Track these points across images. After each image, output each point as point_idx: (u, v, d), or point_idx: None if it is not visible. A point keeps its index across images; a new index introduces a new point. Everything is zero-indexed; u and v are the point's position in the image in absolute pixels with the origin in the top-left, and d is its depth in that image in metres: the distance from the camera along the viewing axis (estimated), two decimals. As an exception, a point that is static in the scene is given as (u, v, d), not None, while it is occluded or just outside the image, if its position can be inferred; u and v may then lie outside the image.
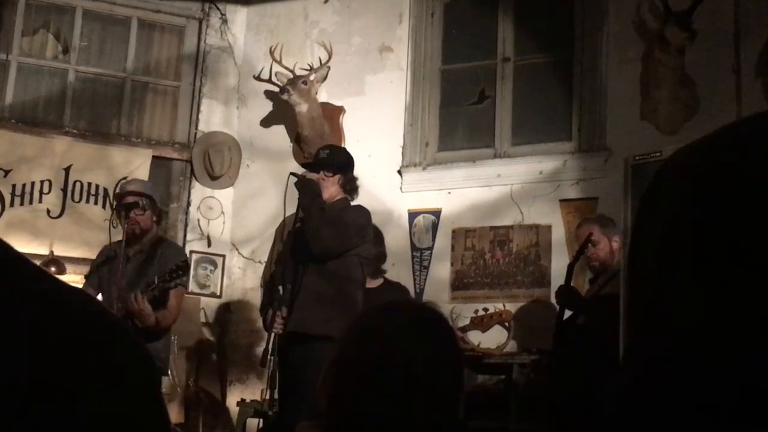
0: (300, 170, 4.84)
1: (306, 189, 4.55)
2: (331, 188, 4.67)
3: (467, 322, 5.74)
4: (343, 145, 6.59)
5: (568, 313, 4.93)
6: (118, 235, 4.95)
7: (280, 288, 4.48)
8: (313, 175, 4.64)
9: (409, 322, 1.69)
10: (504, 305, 5.85)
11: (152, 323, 4.65)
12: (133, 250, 4.97)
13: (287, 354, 4.40)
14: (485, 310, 5.72)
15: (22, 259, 0.68)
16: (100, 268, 5.04)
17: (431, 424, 1.60)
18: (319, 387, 1.64)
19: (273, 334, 4.43)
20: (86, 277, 5.17)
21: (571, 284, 5.13)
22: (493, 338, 5.91)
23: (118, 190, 5.25)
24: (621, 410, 0.80)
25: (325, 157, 4.73)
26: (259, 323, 5.04)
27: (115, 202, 5.10)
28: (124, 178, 6.86)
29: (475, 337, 5.82)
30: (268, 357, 4.40)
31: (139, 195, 4.97)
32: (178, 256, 4.92)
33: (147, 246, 4.98)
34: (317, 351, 3.97)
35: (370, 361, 1.61)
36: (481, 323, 5.66)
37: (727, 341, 0.70)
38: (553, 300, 5.43)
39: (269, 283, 4.99)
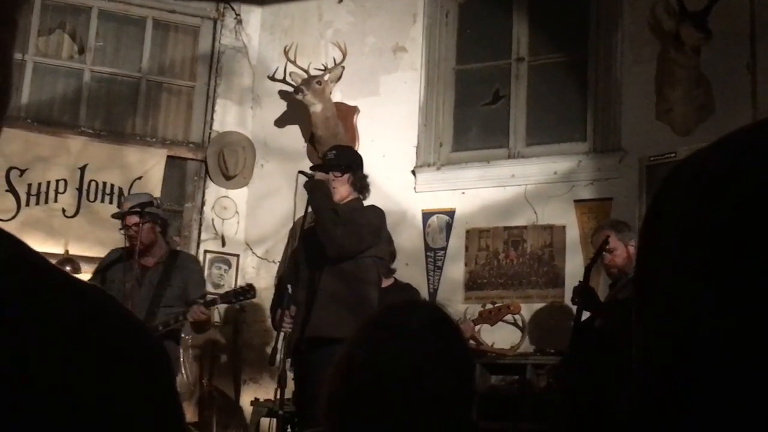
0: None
1: (316, 190, 4.54)
2: (341, 189, 4.67)
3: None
4: (357, 145, 6.59)
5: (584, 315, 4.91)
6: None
7: (289, 287, 4.48)
8: (322, 175, 4.63)
9: (415, 326, 1.65)
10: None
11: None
12: (149, 263, 5.11)
13: (305, 358, 4.40)
14: (493, 303, 5.69)
15: (39, 257, 0.69)
16: (107, 271, 5.16)
17: (439, 429, 1.56)
18: (324, 393, 1.61)
19: (282, 333, 4.44)
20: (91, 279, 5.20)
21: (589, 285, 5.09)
22: (506, 338, 5.91)
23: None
24: (638, 418, 0.79)
25: (332, 158, 4.72)
26: (274, 322, 5.04)
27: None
28: (139, 178, 6.91)
29: (486, 335, 5.81)
30: (277, 356, 4.41)
31: (132, 213, 5.07)
32: (194, 264, 5.24)
33: (163, 259, 5.11)
34: (334, 353, 3.96)
35: (374, 366, 1.58)
36: (489, 317, 5.63)
37: (750, 351, 0.69)
38: (568, 301, 5.41)
39: (279, 282, 5.01)
